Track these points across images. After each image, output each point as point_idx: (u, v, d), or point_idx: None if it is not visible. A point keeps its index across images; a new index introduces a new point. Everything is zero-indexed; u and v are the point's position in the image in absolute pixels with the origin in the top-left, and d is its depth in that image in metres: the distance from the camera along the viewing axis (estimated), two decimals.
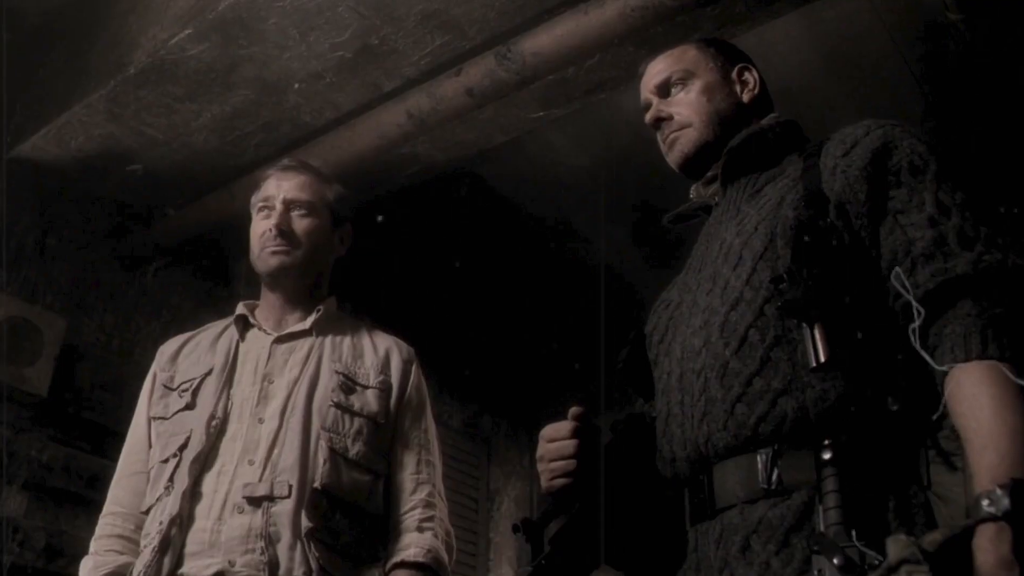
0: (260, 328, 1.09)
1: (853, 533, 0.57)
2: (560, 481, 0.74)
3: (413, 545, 0.99)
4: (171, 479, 0.98)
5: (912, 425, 0.62)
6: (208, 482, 0.97)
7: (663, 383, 0.76)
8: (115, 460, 1.08)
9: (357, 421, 1.02)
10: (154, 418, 1.05)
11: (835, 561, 0.56)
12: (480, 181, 1.97)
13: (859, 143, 0.70)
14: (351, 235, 1.16)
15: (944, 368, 0.60)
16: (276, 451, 0.97)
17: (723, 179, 0.80)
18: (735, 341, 0.68)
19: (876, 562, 0.55)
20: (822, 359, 0.62)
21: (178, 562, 0.94)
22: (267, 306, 1.10)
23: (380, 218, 1.66)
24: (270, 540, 0.93)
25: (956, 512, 0.59)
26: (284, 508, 0.94)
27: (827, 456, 0.61)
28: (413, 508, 1.02)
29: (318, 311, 1.08)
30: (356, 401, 1.03)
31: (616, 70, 1.42)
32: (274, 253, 1.06)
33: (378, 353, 1.08)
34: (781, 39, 1.42)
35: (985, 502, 0.54)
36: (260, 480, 0.96)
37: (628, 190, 1.87)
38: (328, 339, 1.07)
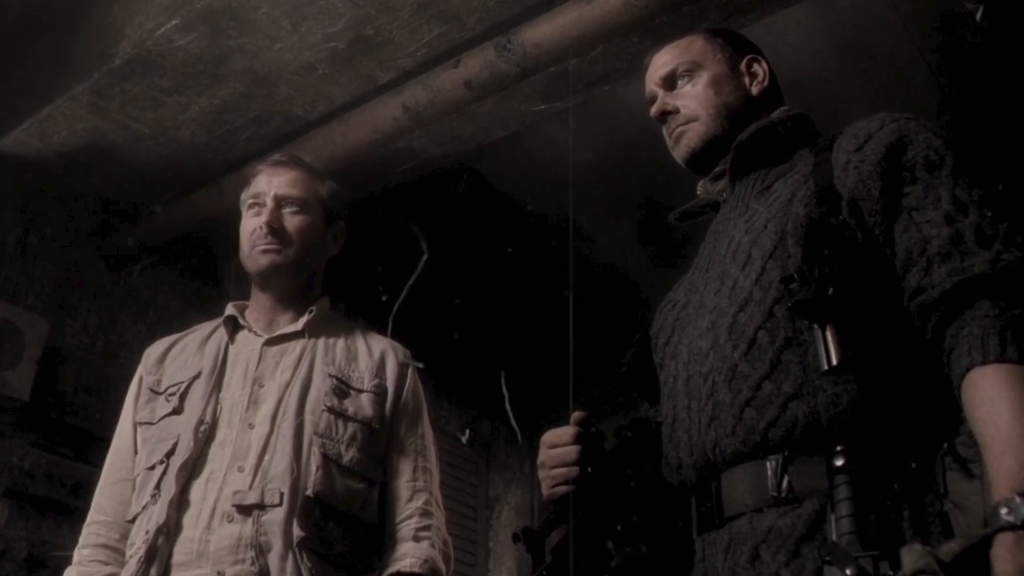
0: (250, 330, 1.06)
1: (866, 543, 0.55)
2: (562, 488, 0.73)
3: (409, 555, 0.97)
4: (158, 487, 0.96)
5: (928, 431, 0.60)
6: (196, 490, 0.95)
7: (669, 387, 0.74)
8: (99, 467, 1.06)
9: (351, 426, 1.00)
10: (140, 423, 1.03)
11: (848, 572, 0.55)
12: (479, 177, 1.94)
13: (872, 137, 0.69)
14: (344, 233, 1.14)
15: (961, 371, 0.58)
16: (267, 457, 0.95)
17: (731, 175, 0.78)
18: (744, 343, 0.66)
19: (890, 573, 0.53)
20: (834, 362, 0.61)
21: (165, 572, 0.92)
22: (257, 307, 1.08)
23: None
24: (261, 550, 0.91)
25: (974, 521, 0.58)
26: (275, 517, 0.92)
27: (839, 463, 0.60)
28: (409, 516, 1.00)
29: (310, 312, 1.06)
30: (350, 405, 1.01)
31: (620, 62, 1.39)
32: (265, 252, 1.04)
33: (373, 356, 1.06)
34: (792, 29, 1.39)
35: (1003, 510, 0.53)
36: (250, 488, 0.94)
37: (632, 186, 1.85)
38: (321, 341, 1.05)
